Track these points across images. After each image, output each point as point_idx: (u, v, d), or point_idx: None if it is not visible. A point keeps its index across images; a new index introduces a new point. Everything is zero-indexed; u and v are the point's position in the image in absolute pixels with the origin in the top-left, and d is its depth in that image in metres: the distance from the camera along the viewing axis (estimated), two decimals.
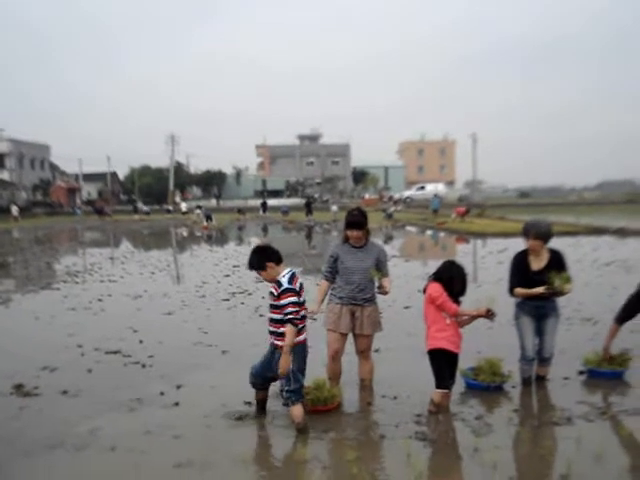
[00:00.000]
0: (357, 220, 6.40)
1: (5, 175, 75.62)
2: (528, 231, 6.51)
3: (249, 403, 6.15)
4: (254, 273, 5.73)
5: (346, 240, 6.54)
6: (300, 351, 5.56)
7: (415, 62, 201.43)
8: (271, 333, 5.59)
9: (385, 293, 6.40)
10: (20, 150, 78.62)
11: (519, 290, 6.52)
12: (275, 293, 5.44)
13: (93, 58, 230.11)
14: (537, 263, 6.52)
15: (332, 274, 6.57)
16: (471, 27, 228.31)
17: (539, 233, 6.43)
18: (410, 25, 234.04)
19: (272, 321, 5.55)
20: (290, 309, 5.36)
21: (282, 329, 5.41)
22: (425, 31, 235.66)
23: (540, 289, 6.34)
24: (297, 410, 5.50)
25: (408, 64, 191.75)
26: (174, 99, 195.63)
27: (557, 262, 6.49)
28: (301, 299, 5.55)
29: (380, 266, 6.47)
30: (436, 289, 5.88)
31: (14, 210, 56.33)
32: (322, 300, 6.60)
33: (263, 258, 5.54)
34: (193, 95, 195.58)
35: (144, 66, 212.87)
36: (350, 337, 6.59)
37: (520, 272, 6.56)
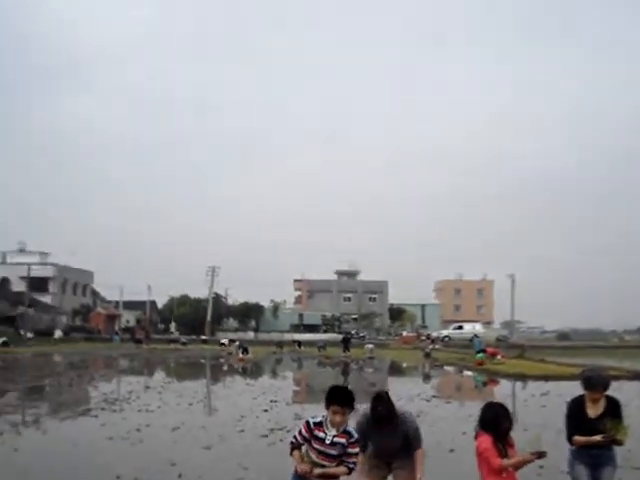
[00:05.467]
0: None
1: (47, 299, 77.30)
2: (589, 381, 6.49)
3: None
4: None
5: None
6: None
7: (456, 202, 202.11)
8: None
9: None
10: (64, 275, 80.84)
11: (578, 438, 6.39)
12: (346, 443, 5.31)
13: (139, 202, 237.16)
14: (594, 410, 6.45)
15: None
16: (503, 164, 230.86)
17: (599, 383, 6.42)
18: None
19: None
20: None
21: None
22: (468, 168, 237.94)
23: (598, 437, 6.24)
24: None
25: (452, 203, 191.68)
26: (215, 232, 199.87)
27: (614, 410, 6.43)
28: None
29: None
30: (483, 443, 5.74)
31: (56, 334, 61.59)
32: None
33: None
34: (233, 228, 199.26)
35: (186, 206, 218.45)
36: None
37: (577, 419, 6.47)
